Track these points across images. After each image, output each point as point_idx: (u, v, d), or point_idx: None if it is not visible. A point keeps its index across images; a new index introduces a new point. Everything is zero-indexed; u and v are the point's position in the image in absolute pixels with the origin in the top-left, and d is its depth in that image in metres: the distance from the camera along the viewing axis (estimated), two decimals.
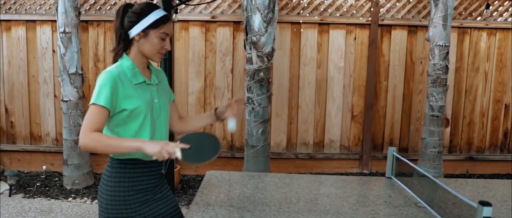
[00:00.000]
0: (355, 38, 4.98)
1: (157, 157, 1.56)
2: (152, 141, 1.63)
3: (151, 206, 1.79)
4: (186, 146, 1.63)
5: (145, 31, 1.71)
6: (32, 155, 5.09)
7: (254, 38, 3.85)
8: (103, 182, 1.78)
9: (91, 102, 1.64)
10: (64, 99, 4.39)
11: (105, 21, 4.90)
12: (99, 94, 1.62)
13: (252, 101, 3.96)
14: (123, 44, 1.76)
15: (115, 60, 1.78)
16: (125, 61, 1.75)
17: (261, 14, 3.81)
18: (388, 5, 4.97)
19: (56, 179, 4.78)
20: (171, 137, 2.96)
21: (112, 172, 1.76)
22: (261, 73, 3.93)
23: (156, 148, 1.55)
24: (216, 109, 1.99)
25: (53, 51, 4.93)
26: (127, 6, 1.77)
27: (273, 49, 3.96)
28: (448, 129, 5.17)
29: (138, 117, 1.71)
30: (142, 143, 1.58)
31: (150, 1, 1.83)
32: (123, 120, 1.70)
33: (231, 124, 1.87)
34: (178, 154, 1.58)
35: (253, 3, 3.80)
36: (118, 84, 1.66)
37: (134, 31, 1.72)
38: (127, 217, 1.74)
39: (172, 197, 1.89)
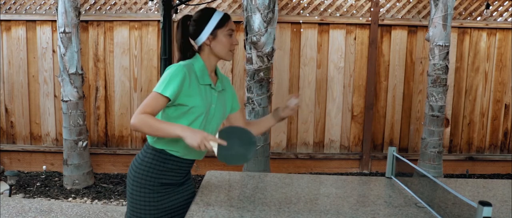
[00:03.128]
0: (355, 38, 4.98)
1: (194, 148, 1.61)
2: (193, 131, 1.64)
3: (171, 198, 1.89)
4: (223, 143, 1.67)
5: (214, 33, 1.81)
6: (32, 155, 5.09)
7: (254, 38, 3.85)
8: (134, 166, 1.86)
9: (155, 89, 1.69)
10: (64, 99, 4.39)
11: (105, 21, 4.90)
12: (168, 84, 1.69)
13: (252, 101, 3.96)
14: (187, 52, 1.85)
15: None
16: (197, 61, 1.83)
17: (261, 14, 3.81)
18: (388, 5, 4.97)
19: (56, 179, 4.78)
20: None
21: (144, 159, 1.83)
22: (261, 73, 3.93)
23: (196, 140, 1.60)
24: (276, 109, 2.14)
25: (53, 51, 4.93)
26: (186, 18, 1.86)
27: (273, 49, 3.96)
28: (448, 129, 5.17)
29: (192, 115, 1.78)
30: (183, 131, 1.63)
31: (206, 7, 1.92)
32: (178, 113, 1.78)
33: None
34: (215, 150, 1.64)
35: (253, 3, 3.80)
36: (186, 80, 1.73)
37: (203, 37, 1.81)
38: (147, 203, 1.83)
39: (192, 188, 2.01)
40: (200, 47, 1.85)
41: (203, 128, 1.83)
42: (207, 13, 1.83)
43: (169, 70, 1.72)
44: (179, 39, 1.86)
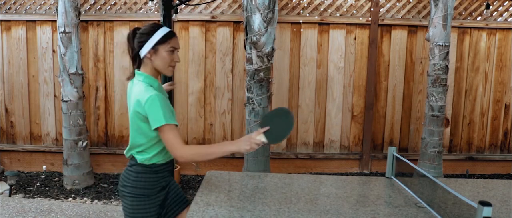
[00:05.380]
0: (355, 38, 4.98)
1: (250, 151, 1.78)
2: (239, 140, 1.81)
3: (171, 196, 2.10)
4: (266, 128, 1.80)
5: (155, 48, 1.90)
6: (32, 155, 5.09)
7: (254, 38, 3.85)
8: (128, 183, 1.98)
9: (163, 123, 1.80)
10: (64, 99, 4.39)
11: (105, 21, 4.90)
12: (167, 114, 1.82)
13: (252, 101, 3.96)
14: (137, 63, 1.98)
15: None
16: (153, 82, 1.93)
17: (261, 14, 3.81)
18: (388, 5, 4.97)
19: (56, 179, 4.78)
20: None
21: (138, 175, 1.97)
22: (261, 73, 3.93)
23: (247, 146, 1.77)
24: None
25: (53, 51, 4.93)
26: (135, 30, 1.96)
27: (273, 49, 3.96)
28: (448, 129, 5.17)
29: None
30: (236, 147, 1.80)
31: (154, 23, 2.01)
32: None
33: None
34: (264, 140, 1.78)
35: (253, 3, 3.80)
36: (167, 101, 1.89)
37: (144, 50, 1.90)
38: (150, 209, 1.99)
39: (176, 184, 2.20)
40: (143, 60, 1.94)
41: None
42: (152, 28, 1.92)
43: (154, 102, 1.81)
44: (130, 50, 1.99)
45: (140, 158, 1.96)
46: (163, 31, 1.91)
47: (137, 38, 1.92)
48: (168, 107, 1.85)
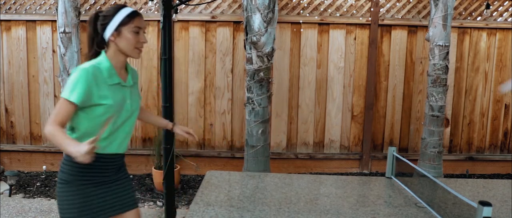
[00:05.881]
0: (355, 38, 4.98)
1: (82, 160, 1.55)
2: (75, 146, 1.58)
3: (106, 198, 1.89)
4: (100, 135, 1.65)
5: (118, 30, 1.81)
6: (32, 155, 5.09)
7: (254, 38, 3.85)
8: (62, 165, 1.84)
9: (62, 95, 1.70)
10: None
11: None
12: (72, 90, 1.69)
13: (252, 101, 3.96)
14: (98, 48, 1.85)
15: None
16: (104, 61, 1.82)
17: (261, 14, 3.81)
18: (388, 5, 4.97)
19: (56, 179, 4.77)
20: (171, 134, 2.95)
21: (65, 159, 1.82)
22: (261, 73, 3.93)
23: (78, 155, 1.54)
24: (175, 123, 2.32)
25: (53, 51, 4.93)
26: (98, 13, 1.87)
27: (273, 49, 3.95)
28: (448, 129, 5.17)
29: (105, 115, 1.78)
30: (70, 149, 1.57)
31: (117, 4, 1.92)
32: (93, 113, 1.77)
33: None
34: (90, 151, 1.55)
35: (253, 3, 3.80)
36: (92, 83, 1.73)
37: (108, 32, 1.82)
38: (73, 199, 1.81)
39: (129, 186, 2.01)
40: (108, 44, 1.85)
41: (117, 125, 1.85)
42: (114, 9, 1.84)
43: (74, 74, 1.71)
44: (90, 34, 1.87)
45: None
46: (126, 11, 1.84)
47: (99, 21, 1.84)
48: (86, 88, 1.70)
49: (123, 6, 1.87)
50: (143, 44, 1.88)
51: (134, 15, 1.85)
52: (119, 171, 1.97)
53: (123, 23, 1.81)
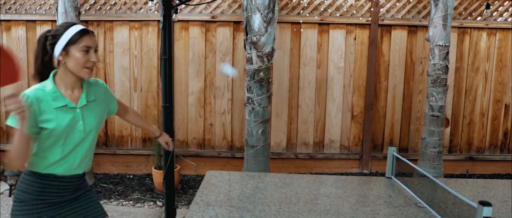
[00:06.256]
0: (355, 38, 4.98)
1: (12, 111, 1.55)
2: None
3: (68, 215, 1.86)
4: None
5: (66, 49, 1.73)
6: None
7: (254, 38, 3.85)
8: (17, 191, 1.82)
9: (8, 122, 1.68)
10: None
11: (105, 21, 4.90)
12: (13, 116, 1.63)
13: (252, 101, 3.96)
14: (46, 68, 1.80)
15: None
16: (48, 85, 1.78)
17: (261, 14, 3.81)
18: (388, 5, 4.97)
19: None
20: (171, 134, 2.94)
21: (23, 176, 1.82)
22: (261, 73, 3.93)
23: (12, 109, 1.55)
24: (162, 133, 2.41)
25: None
26: (47, 32, 1.79)
27: (273, 49, 3.96)
28: (448, 129, 5.17)
29: (52, 137, 1.76)
30: (16, 118, 1.58)
31: (65, 22, 1.88)
32: (41, 136, 1.75)
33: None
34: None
35: (253, 3, 3.80)
36: (33, 108, 1.70)
37: (56, 53, 1.75)
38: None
39: (93, 199, 1.97)
40: (58, 63, 1.78)
41: (67, 147, 1.81)
42: (63, 27, 1.76)
43: None
44: (38, 54, 1.80)
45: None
46: (73, 29, 1.73)
47: (48, 40, 1.75)
48: (30, 113, 1.67)
49: (73, 23, 1.79)
50: (94, 64, 1.78)
51: (84, 33, 1.75)
52: (78, 190, 1.93)
53: (71, 42, 1.72)
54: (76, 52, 1.73)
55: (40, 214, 1.81)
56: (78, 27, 1.76)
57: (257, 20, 3.82)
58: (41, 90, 1.76)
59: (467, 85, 5.12)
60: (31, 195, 1.80)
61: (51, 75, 1.80)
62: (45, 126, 1.73)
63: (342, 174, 5.04)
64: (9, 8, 4.91)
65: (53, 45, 1.75)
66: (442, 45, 4.14)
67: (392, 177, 2.45)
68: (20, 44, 4.95)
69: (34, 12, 4.91)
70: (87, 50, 1.75)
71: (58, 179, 1.82)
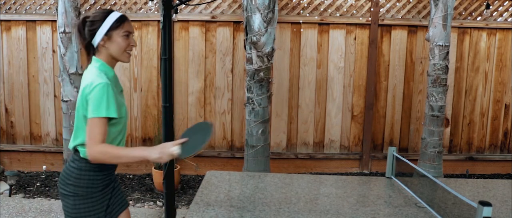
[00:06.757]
0: (355, 38, 4.98)
1: (161, 161, 1.67)
2: (153, 148, 1.71)
3: (114, 195, 1.95)
4: (185, 140, 1.71)
5: (108, 34, 1.81)
6: (32, 155, 5.09)
7: (254, 38, 3.85)
8: (71, 181, 1.83)
9: (97, 114, 1.70)
10: (64, 99, 4.39)
11: None
12: (108, 106, 1.70)
13: (252, 101, 3.96)
14: (88, 54, 1.88)
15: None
16: (108, 71, 1.85)
17: (261, 14, 3.81)
18: (388, 5, 4.97)
19: (56, 179, 4.78)
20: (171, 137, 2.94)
21: (81, 173, 1.83)
22: (261, 73, 3.93)
23: (158, 155, 1.67)
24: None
25: (53, 51, 4.93)
26: (85, 18, 1.85)
27: (273, 49, 3.96)
28: (448, 129, 5.17)
29: (121, 123, 1.83)
30: (147, 152, 1.69)
31: (104, 9, 1.95)
32: (109, 125, 1.78)
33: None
34: (178, 151, 1.66)
35: (253, 3, 3.80)
36: (115, 94, 1.78)
37: (98, 38, 1.81)
38: (93, 209, 1.85)
39: (119, 183, 2.07)
40: (97, 49, 1.85)
41: (123, 126, 1.89)
42: (102, 14, 1.84)
43: (99, 91, 1.71)
44: (82, 40, 1.87)
45: (83, 152, 1.82)
46: (114, 15, 1.84)
47: (87, 27, 1.82)
48: (116, 101, 1.76)
49: (111, 10, 1.88)
50: (132, 48, 1.89)
51: (124, 19, 1.86)
52: (115, 170, 2.01)
53: (113, 27, 1.81)
54: (118, 37, 1.82)
55: (104, 200, 1.88)
56: (118, 14, 1.85)
57: (257, 20, 3.82)
58: (106, 76, 1.81)
59: (467, 85, 5.12)
60: (97, 188, 1.85)
61: (99, 61, 1.85)
62: (121, 113, 1.81)
63: (342, 174, 5.04)
64: (9, 8, 4.91)
65: (93, 31, 1.81)
66: (442, 45, 4.14)
67: (392, 177, 2.45)
68: (20, 44, 4.95)
69: (34, 12, 4.91)
70: (127, 35, 1.85)
71: (114, 165, 1.92)
